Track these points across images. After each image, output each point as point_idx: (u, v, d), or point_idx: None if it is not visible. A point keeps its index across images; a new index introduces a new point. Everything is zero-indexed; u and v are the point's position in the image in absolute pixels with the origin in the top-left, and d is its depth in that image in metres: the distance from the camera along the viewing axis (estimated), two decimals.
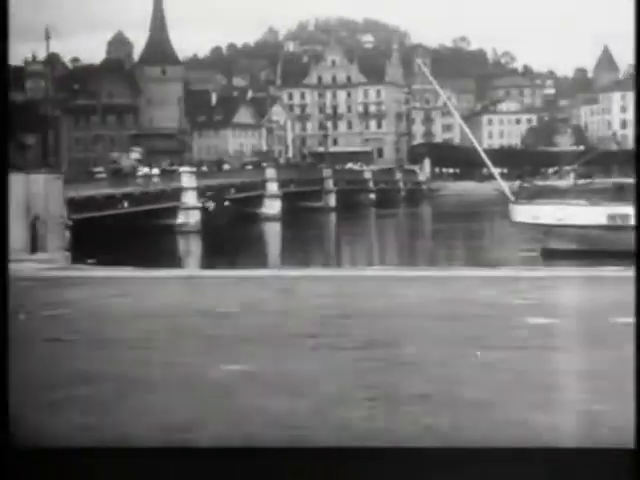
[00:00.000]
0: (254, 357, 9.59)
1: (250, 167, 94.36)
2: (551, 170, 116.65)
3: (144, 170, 73.67)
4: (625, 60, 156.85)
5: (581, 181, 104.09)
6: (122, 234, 50.15)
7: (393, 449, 6.30)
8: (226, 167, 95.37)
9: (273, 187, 79.88)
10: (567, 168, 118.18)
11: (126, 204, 58.31)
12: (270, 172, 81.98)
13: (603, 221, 39.56)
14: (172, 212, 63.33)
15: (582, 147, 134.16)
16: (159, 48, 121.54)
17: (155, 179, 66.40)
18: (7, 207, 6.27)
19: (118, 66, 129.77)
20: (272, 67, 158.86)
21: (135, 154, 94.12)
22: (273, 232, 69.91)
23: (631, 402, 7.82)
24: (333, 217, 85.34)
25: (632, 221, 39.41)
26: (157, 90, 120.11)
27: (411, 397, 7.95)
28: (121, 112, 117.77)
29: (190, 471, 5.89)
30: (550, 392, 8.14)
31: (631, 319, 11.59)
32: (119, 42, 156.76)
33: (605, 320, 11.83)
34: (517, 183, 77.87)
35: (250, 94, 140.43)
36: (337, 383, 8.49)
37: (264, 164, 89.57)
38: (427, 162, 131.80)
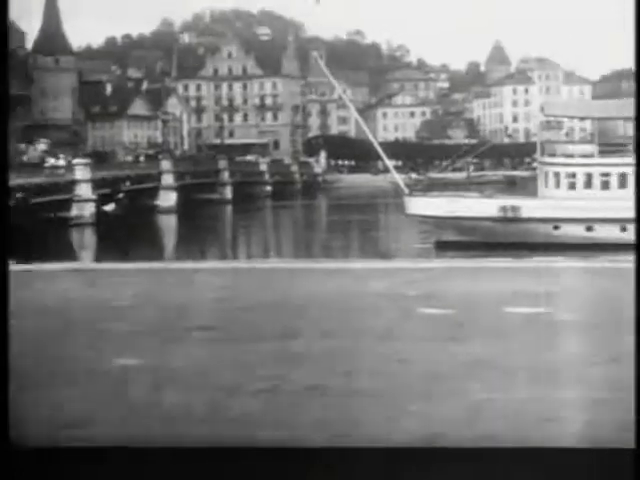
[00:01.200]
0: (148, 351, 9.48)
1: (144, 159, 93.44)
2: (445, 163, 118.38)
3: (51, 161, 72.50)
4: (516, 54, 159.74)
5: (474, 174, 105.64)
6: (15, 227, 49.13)
7: (393, 449, 6.22)
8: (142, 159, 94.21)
9: (168, 179, 79.34)
10: (460, 161, 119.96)
11: (19, 195, 57.27)
12: (165, 164, 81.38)
13: (495, 213, 40.23)
14: (68, 204, 62.53)
15: (475, 140, 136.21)
16: (52, 38, 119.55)
17: (61, 170, 65.49)
18: (7, 207, 6.32)
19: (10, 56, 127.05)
20: (167, 58, 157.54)
21: (42, 145, 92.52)
22: (168, 225, 69.38)
23: (521, 391, 7.96)
24: (229, 209, 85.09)
25: (523, 213, 40.17)
26: (50, 80, 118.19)
27: (304, 389, 7.96)
28: (13, 103, 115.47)
29: (190, 471, 5.85)
30: (442, 383, 8.21)
31: (525, 309, 11.81)
32: (11, 31, 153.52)
33: (500, 310, 11.99)
34: (411, 176, 78.68)
35: (145, 85, 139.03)
36: (231, 376, 8.45)
37: (159, 156, 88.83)
38: (323, 154, 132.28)
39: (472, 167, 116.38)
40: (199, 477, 5.88)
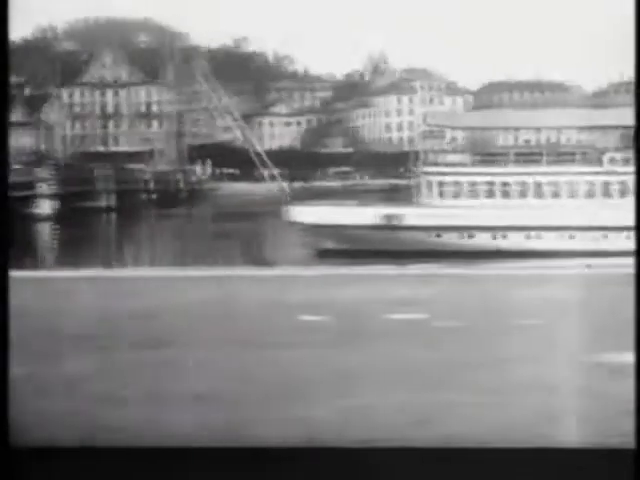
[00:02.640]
0: (29, 360, 9.32)
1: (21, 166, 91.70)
2: (329, 171, 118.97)
3: None
4: (399, 64, 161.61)
5: (355, 182, 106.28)
6: None
7: (393, 449, 6.24)
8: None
9: (45, 187, 78.23)
10: (341, 169, 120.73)
11: None
12: (41, 172, 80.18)
13: (375, 221, 40.63)
14: None
15: (357, 149, 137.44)
16: None
17: None
18: (7, 207, 6.34)
19: None
20: (49, 65, 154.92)
21: None
22: (45, 233, 68.22)
23: (390, 397, 8.05)
24: (112, 217, 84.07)
25: (404, 221, 40.66)
26: None
27: (182, 396, 7.93)
28: None
29: (190, 471, 5.85)
30: (318, 388, 8.25)
31: (405, 315, 11.95)
32: None
33: (380, 317, 12.11)
34: (294, 184, 78.91)
35: (27, 92, 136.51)
36: (110, 384, 8.36)
37: (38, 164, 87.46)
38: (207, 163, 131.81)
39: (354, 175, 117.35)
40: (199, 477, 5.88)
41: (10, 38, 6.59)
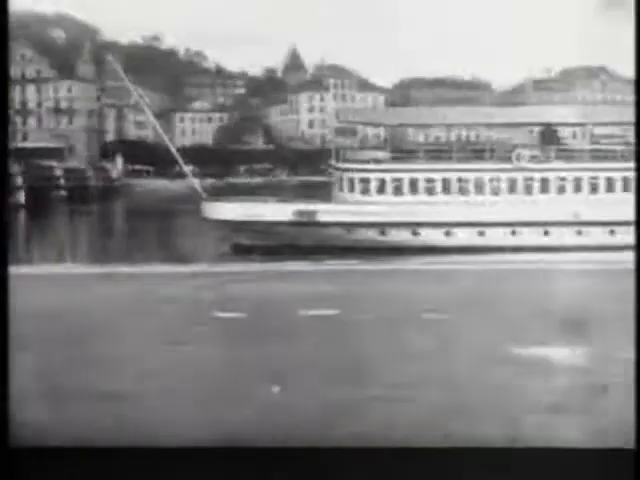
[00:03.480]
0: None
1: None
2: (242, 168, 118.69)
3: None
4: (312, 61, 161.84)
5: (270, 179, 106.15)
6: None
7: (392, 449, 6.25)
8: None
9: None
10: (261, 166, 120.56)
11: None
12: None
13: (291, 217, 40.72)
14: None
15: (272, 146, 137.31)
16: None
17: None
18: (7, 207, 6.37)
19: None
20: None
21: None
22: None
23: (306, 394, 8.16)
24: (22, 215, 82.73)
25: (319, 217, 40.84)
26: None
27: (91, 393, 7.92)
28: None
29: (190, 471, 5.82)
30: (232, 386, 8.31)
31: (319, 311, 12.07)
32: None
33: (294, 313, 12.19)
34: (212, 180, 78.46)
35: None
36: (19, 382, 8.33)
37: None
38: (119, 159, 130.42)
39: (269, 172, 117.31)
40: (199, 477, 5.87)
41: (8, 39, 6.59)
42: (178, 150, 50.78)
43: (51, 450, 6.14)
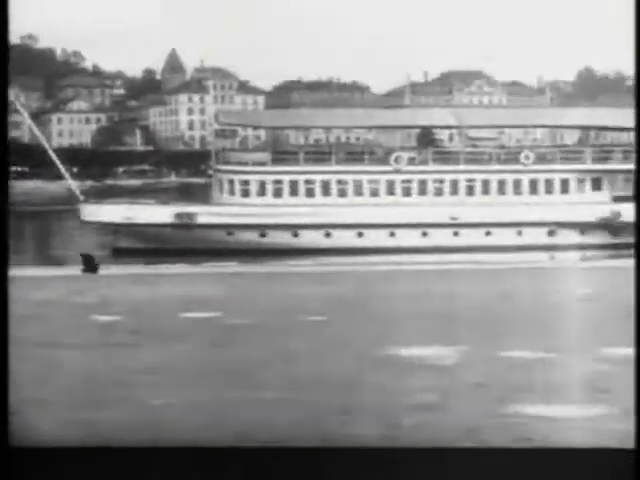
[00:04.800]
0: None
1: None
2: (121, 169, 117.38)
3: None
4: (191, 63, 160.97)
5: (150, 180, 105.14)
6: None
7: (393, 449, 6.20)
8: None
9: None
10: (141, 167, 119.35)
11: None
12: None
13: (171, 220, 40.41)
14: None
15: (151, 147, 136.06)
16: None
17: None
18: (7, 207, 6.43)
19: None
20: None
21: None
22: None
23: (194, 394, 8.12)
24: None
25: (199, 219, 40.64)
26: None
27: None
28: None
29: (190, 471, 5.79)
30: (111, 389, 8.22)
31: (200, 314, 12.02)
32: None
33: (175, 315, 12.13)
34: (91, 182, 77.37)
35: None
36: None
37: None
38: None
39: (149, 174, 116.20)
40: (199, 477, 5.83)
41: (9, 40, 6.43)
42: (55, 151, 49.93)
43: (51, 450, 6.09)
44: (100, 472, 5.81)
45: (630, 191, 45.71)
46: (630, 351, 9.40)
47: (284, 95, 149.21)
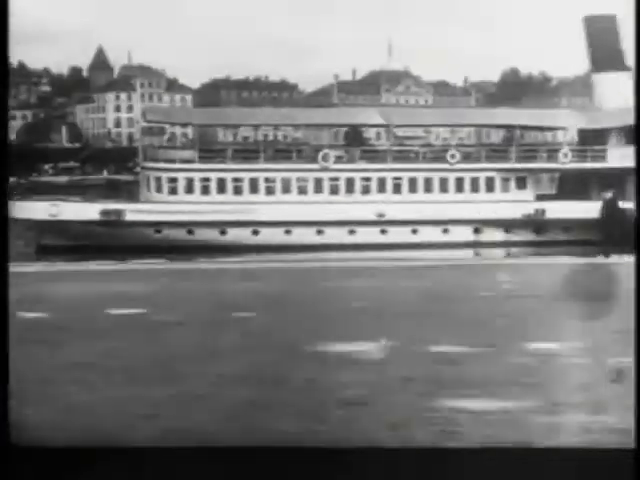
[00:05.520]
0: None
1: None
2: (47, 166, 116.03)
3: None
4: (119, 61, 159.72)
5: (77, 177, 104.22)
6: None
7: (393, 449, 6.14)
8: None
9: None
10: (68, 164, 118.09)
11: None
12: None
13: (97, 217, 40.11)
14: None
15: (78, 145, 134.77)
16: None
17: None
18: (7, 207, 6.37)
19: None
20: None
21: None
22: None
23: (120, 390, 8.09)
24: None
25: (126, 217, 40.34)
26: None
27: None
28: None
29: (190, 471, 5.74)
30: (36, 386, 8.16)
31: (126, 310, 11.96)
32: None
33: (101, 312, 12.05)
34: (12, 179, 76.36)
35: None
36: None
37: None
38: None
39: (75, 171, 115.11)
40: (199, 477, 5.77)
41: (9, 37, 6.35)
42: None
43: (51, 450, 6.03)
44: (100, 472, 5.78)
45: (554, 190, 46.55)
46: (553, 346, 9.59)
47: (212, 93, 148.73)
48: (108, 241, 37.85)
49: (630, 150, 43.58)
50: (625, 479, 5.69)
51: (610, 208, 25.13)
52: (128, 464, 5.84)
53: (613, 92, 44.40)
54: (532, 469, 5.75)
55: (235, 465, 5.86)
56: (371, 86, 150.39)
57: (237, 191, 42.04)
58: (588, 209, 41.25)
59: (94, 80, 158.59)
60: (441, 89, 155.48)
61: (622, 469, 5.71)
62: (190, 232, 40.39)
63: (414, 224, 40.83)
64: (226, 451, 6.14)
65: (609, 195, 26.26)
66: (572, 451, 6.11)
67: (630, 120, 44.01)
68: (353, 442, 6.43)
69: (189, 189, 42.13)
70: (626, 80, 44.91)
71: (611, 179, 43.97)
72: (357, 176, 42.28)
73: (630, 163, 42.89)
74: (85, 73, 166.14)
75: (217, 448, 6.21)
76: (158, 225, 40.40)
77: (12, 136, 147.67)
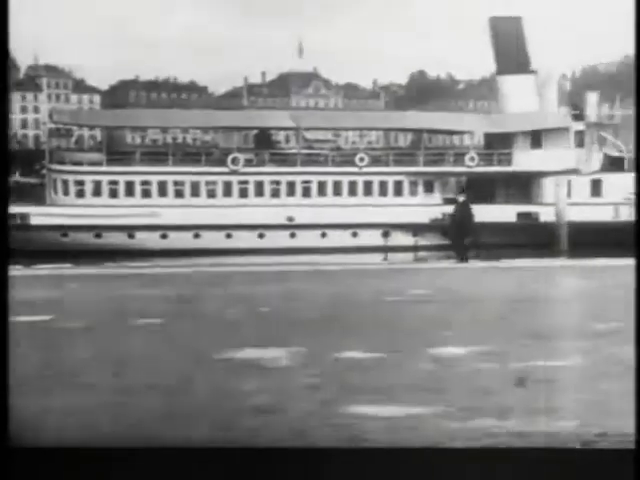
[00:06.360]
0: None
1: None
2: None
3: None
4: (25, 61, 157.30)
5: None
6: None
7: (393, 449, 6.05)
8: None
9: None
10: None
11: None
12: None
13: None
14: None
15: None
16: None
17: None
18: (7, 207, 6.45)
19: None
20: None
21: None
22: None
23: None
24: None
25: (31, 220, 39.71)
26: None
27: None
28: None
29: (190, 471, 5.70)
30: None
31: (29, 317, 11.76)
32: None
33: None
34: None
35: None
36: None
37: None
38: None
39: None
40: (199, 477, 5.73)
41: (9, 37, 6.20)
42: None
43: (51, 450, 5.95)
44: (100, 472, 5.75)
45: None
46: (461, 351, 9.68)
47: (121, 94, 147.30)
48: (12, 245, 37.24)
49: (535, 153, 44.37)
50: (625, 479, 5.72)
51: (463, 211, 25.94)
52: (128, 464, 5.81)
53: (518, 95, 45.07)
54: (532, 469, 5.76)
55: (235, 465, 5.85)
56: (280, 88, 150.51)
57: (145, 194, 41.72)
58: (495, 213, 41.93)
59: None
60: (350, 92, 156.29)
61: (622, 469, 5.73)
62: (98, 236, 39.95)
63: (323, 228, 40.98)
64: (226, 451, 6.11)
65: (462, 198, 27.16)
66: (572, 451, 6.11)
67: (535, 124, 44.83)
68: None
69: (97, 192, 41.67)
70: (531, 83, 45.66)
71: (516, 182, 44.73)
72: (266, 179, 42.28)
73: (536, 167, 43.70)
74: None
75: (218, 449, 6.20)
76: (64, 229, 39.87)
77: None
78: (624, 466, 5.75)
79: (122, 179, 41.83)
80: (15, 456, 5.86)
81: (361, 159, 43.32)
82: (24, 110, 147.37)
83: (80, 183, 41.86)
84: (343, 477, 5.76)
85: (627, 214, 43.00)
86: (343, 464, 5.83)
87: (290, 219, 41.17)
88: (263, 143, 45.54)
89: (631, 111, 60.30)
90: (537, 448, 6.25)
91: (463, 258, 24.54)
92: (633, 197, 43.23)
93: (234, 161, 42.32)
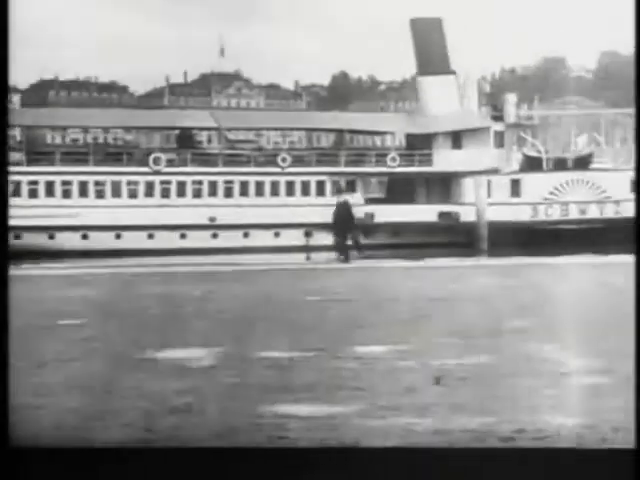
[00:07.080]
0: None
1: None
2: None
3: None
4: None
5: None
6: None
7: (393, 449, 6.05)
8: None
9: None
10: None
11: None
12: None
13: None
14: None
15: None
16: None
17: None
18: (7, 205, 6.48)
19: None
20: None
21: None
22: None
23: None
24: None
25: None
26: None
27: None
28: None
29: (190, 471, 5.70)
30: None
31: None
32: None
33: None
34: None
35: None
36: None
37: None
38: None
39: None
40: (199, 477, 5.72)
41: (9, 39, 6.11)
42: None
43: (51, 450, 5.95)
44: (100, 472, 5.75)
45: (383, 193, 47.43)
46: (380, 349, 9.79)
47: (40, 93, 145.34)
48: None
49: (456, 153, 44.85)
50: (625, 479, 5.75)
51: (343, 211, 26.64)
52: (128, 464, 5.82)
53: (439, 96, 45.49)
54: (532, 469, 5.80)
55: (235, 465, 5.86)
56: (202, 88, 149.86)
57: (66, 195, 41.26)
58: (417, 213, 42.32)
59: None
60: (272, 92, 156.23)
61: (622, 469, 5.77)
62: (17, 237, 39.43)
63: (245, 228, 40.94)
64: (226, 452, 6.13)
65: (342, 200, 28.01)
66: (572, 451, 6.15)
67: (455, 124, 45.31)
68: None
69: (16, 193, 41.10)
70: (451, 84, 46.12)
71: (437, 182, 45.17)
72: (188, 180, 42.09)
73: (456, 167, 44.17)
74: None
75: (218, 449, 6.22)
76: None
77: None
78: (624, 466, 5.80)
79: (42, 179, 41.33)
80: (15, 456, 5.86)
81: (283, 159, 43.37)
82: None
83: None
84: (343, 477, 5.80)
85: (545, 213, 43.71)
86: (343, 464, 5.88)
87: (212, 219, 41.07)
88: (185, 143, 45.34)
89: (549, 111, 61.31)
90: (537, 448, 6.30)
91: (345, 258, 25.01)
92: (551, 197, 43.97)
93: (156, 161, 42.07)
